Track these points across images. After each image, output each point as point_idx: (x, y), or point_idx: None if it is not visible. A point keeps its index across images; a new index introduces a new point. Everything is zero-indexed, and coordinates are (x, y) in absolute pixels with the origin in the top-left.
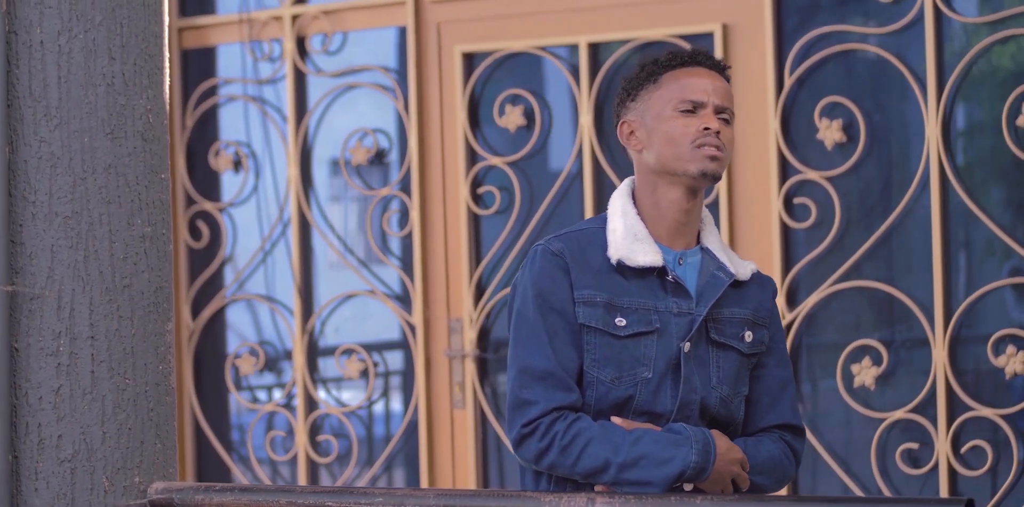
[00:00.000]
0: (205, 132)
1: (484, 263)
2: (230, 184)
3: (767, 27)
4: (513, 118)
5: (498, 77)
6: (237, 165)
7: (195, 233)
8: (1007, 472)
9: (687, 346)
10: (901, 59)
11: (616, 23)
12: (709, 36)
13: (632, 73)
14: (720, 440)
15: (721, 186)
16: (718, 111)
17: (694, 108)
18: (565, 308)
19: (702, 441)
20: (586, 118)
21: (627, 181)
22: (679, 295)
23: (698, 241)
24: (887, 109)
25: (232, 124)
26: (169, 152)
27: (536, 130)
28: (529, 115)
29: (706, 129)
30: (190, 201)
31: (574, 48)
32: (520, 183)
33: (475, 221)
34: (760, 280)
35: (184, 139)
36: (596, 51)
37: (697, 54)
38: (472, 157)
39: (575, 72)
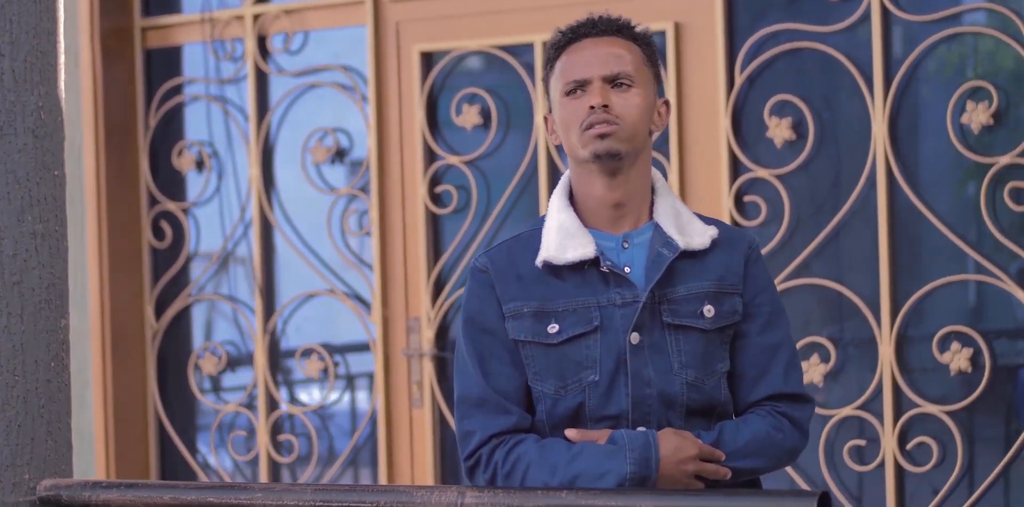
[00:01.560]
0: (169, 132)
1: (442, 262)
2: (193, 184)
3: (718, 25)
4: (470, 117)
5: (456, 76)
6: (200, 165)
7: (158, 233)
8: (952, 468)
9: (635, 337)
10: (849, 57)
11: (570, 22)
12: (661, 35)
13: (543, 63)
14: (666, 441)
15: (672, 184)
16: (610, 80)
17: (579, 87)
18: (495, 326)
19: (639, 448)
20: (541, 117)
21: (564, 175)
22: (621, 284)
23: (651, 216)
24: (836, 107)
25: (195, 124)
26: (131, 151)
27: (492, 129)
28: (486, 114)
29: (591, 108)
30: (153, 201)
31: (529, 47)
32: (477, 182)
33: (433, 220)
34: (729, 242)
35: (148, 139)
36: None
37: (580, 25)
38: (430, 156)
39: (530, 71)
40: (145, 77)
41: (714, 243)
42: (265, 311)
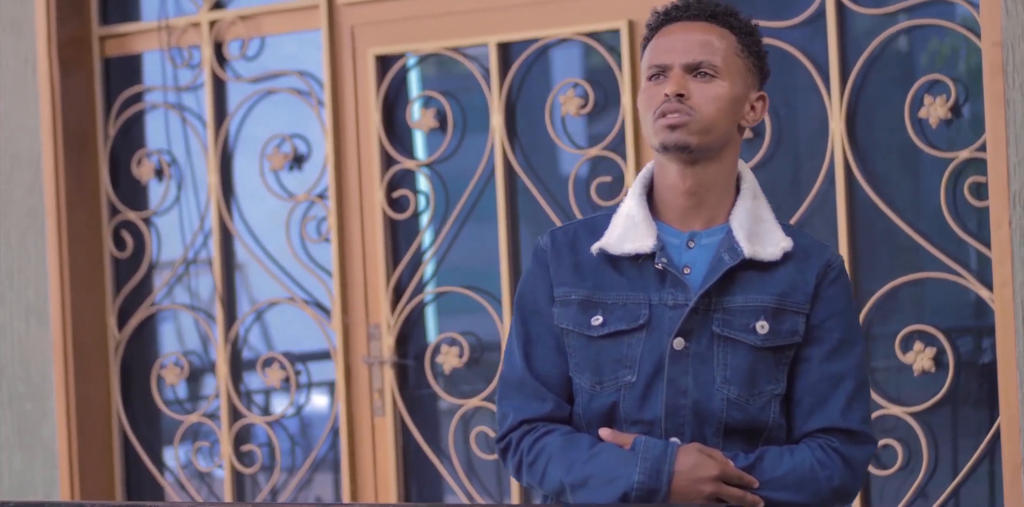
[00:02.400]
0: (129, 141)
1: (400, 268)
2: (154, 193)
3: None
4: (426, 120)
5: (411, 79)
6: (160, 174)
7: (119, 243)
8: (918, 470)
9: (678, 342)
10: (805, 53)
11: (524, 22)
12: (616, 33)
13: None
14: (685, 457)
15: (629, 185)
16: (690, 69)
17: (660, 72)
18: (544, 309)
19: (653, 458)
20: (497, 119)
21: (651, 162)
22: (676, 285)
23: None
24: (794, 103)
25: (155, 132)
26: (91, 161)
27: (448, 132)
28: (442, 117)
29: (665, 95)
30: (114, 210)
31: (483, 48)
32: (435, 186)
33: (392, 225)
34: (805, 257)
35: (107, 148)
36: (506, 51)
37: (674, 7)
38: (387, 161)
39: (485, 73)
40: (104, 86)
41: (787, 256)
42: (226, 320)
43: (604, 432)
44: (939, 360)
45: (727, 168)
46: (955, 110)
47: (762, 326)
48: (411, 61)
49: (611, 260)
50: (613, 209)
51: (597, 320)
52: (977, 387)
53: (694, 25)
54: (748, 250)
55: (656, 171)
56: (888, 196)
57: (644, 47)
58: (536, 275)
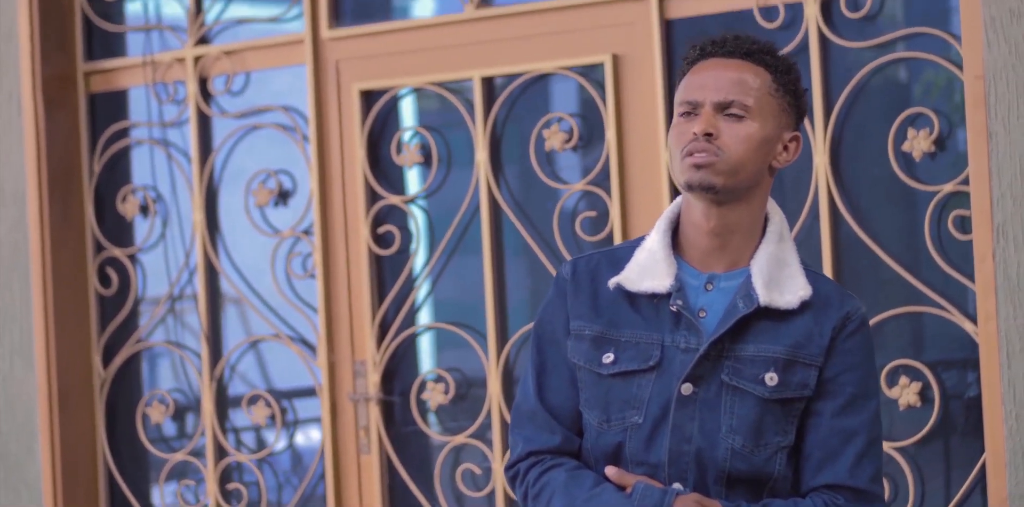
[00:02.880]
0: (114, 177)
1: (386, 304)
2: (139, 229)
3: (656, 56)
4: (411, 155)
5: (396, 114)
6: (145, 210)
7: (104, 280)
8: (904, 506)
9: (686, 388)
10: None
11: (508, 57)
12: (600, 67)
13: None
14: (683, 505)
15: (614, 219)
16: (721, 107)
17: (691, 110)
18: (561, 339)
19: (649, 505)
20: (482, 154)
21: (679, 198)
22: (689, 328)
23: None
24: None
25: (140, 168)
26: (76, 197)
27: (433, 167)
28: (427, 152)
29: (694, 134)
30: (99, 247)
31: (468, 83)
32: (420, 221)
33: (377, 261)
34: (823, 308)
35: (93, 185)
36: (490, 86)
37: (709, 43)
38: (372, 196)
39: (469, 107)
40: (89, 122)
41: (805, 304)
42: (212, 357)
43: (610, 471)
44: (925, 394)
45: (754, 210)
46: (939, 143)
47: (771, 378)
48: (396, 96)
49: (628, 296)
50: (639, 241)
51: (608, 358)
52: (963, 421)
53: (729, 63)
54: (764, 298)
55: (683, 208)
56: (873, 230)
57: (679, 80)
58: (555, 304)
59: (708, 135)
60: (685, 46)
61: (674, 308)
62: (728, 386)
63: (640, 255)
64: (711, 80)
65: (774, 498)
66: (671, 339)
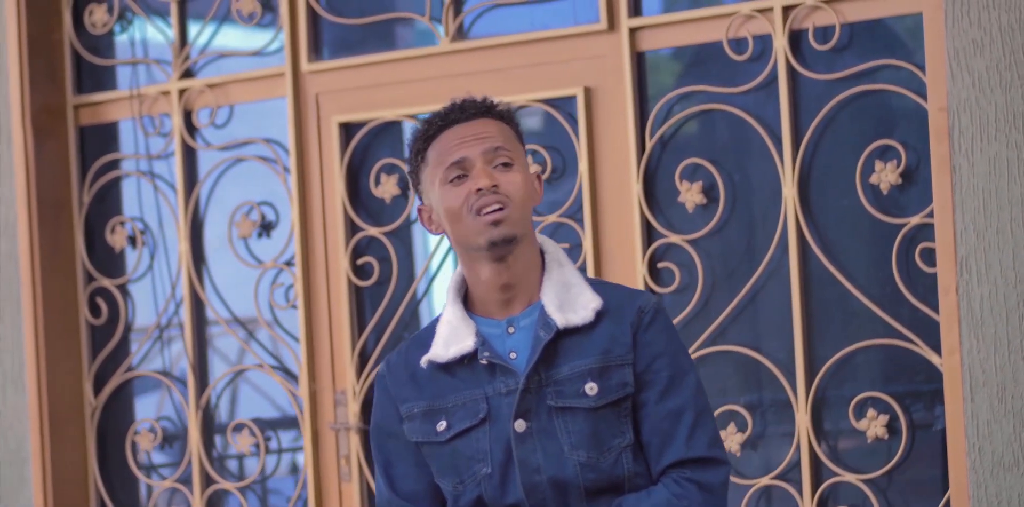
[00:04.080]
0: (103, 208)
1: (365, 335)
2: (128, 260)
3: (627, 88)
4: (388, 187)
5: (374, 147)
6: (133, 241)
7: (95, 310)
8: None
9: (519, 425)
10: (758, 119)
11: (482, 89)
12: (572, 100)
13: (408, 156)
14: None
15: (587, 252)
16: (490, 159)
17: (463, 169)
18: (397, 429)
19: None
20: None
21: (459, 267)
22: (504, 373)
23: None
24: (747, 169)
25: (128, 200)
26: (66, 229)
27: (410, 199)
28: (404, 184)
29: (478, 190)
30: (89, 278)
31: None
32: (397, 253)
33: (357, 292)
34: (617, 311)
35: (82, 216)
36: None
37: (446, 112)
38: (352, 228)
39: None
40: (79, 154)
41: (599, 315)
42: (198, 387)
43: None
44: (892, 427)
45: (532, 250)
46: (906, 175)
47: (591, 387)
48: (372, 129)
49: (443, 367)
50: (434, 321)
51: (441, 425)
52: (930, 453)
53: (471, 124)
54: (561, 320)
55: (467, 274)
56: (841, 262)
57: (419, 157)
58: (381, 400)
59: (495, 186)
60: (654, 79)
61: (484, 360)
62: (556, 409)
63: (441, 329)
64: (470, 138)
65: (622, 497)
66: (492, 389)
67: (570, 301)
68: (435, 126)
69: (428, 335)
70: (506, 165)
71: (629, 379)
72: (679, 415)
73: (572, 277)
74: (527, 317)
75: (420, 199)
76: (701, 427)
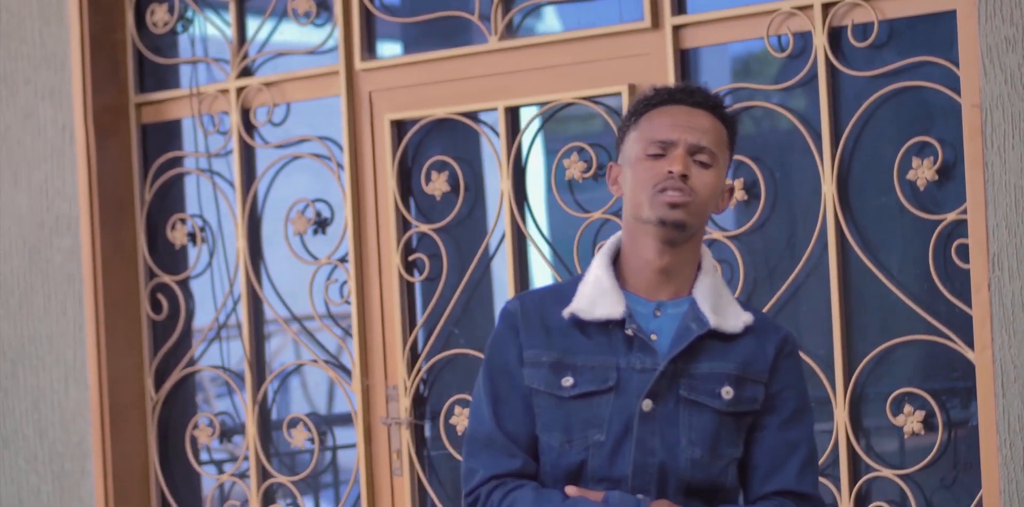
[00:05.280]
0: (164, 206)
1: (416, 331)
2: (188, 257)
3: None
4: (439, 184)
5: (426, 144)
6: (194, 238)
7: (156, 306)
8: None
9: (647, 404)
10: (799, 116)
11: (531, 87)
12: (618, 97)
13: (624, 114)
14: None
15: None
16: (693, 151)
17: (664, 150)
18: (514, 370)
19: None
20: (506, 183)
21: (615, 236)
22: (644, 350)
23: (691, 292)
24: (788, 166)
25: (189, 197)
26: (128, 226)
27: (460, 196)
28: (454, 181)
29: (669, 172)
30: (150, 274)
31: (493, 113)
32: (447, 249)
33: (408, 288)
34: (763, 331)
35: (144, 213)
36: (515, 115)
37: (678, 91)
38: (404, 224)
39: (495, 137)
40: (141, 152)
41: (747, 329)
42: (255, 382)
43: (570, 489)
44: (929, 423)
45: (697, 248)
46: (942, 172)
47: (727, 391)
48: (424, 126)
49: (580, 325)
50: (577, 278)
51: (568, 381)
52: (967, 449)
53: (696, 111)
54: (713, 321)
55: (627, 244)
56: (879, 259)
57: (634, 119)
58: (506, 337)
59: (684, 176)
60: (696, 77)
61: (630, 332)
62: (686, 401)
63: (585, 288)
64: (685, 124)
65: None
66: (626, 362)
67: (721, 307)
68: (661, 96)
69: (568, 290)
70: (704, 165)
71: (760, 397)
72: (795, 447)
73: (723, 288)
74: (676, 307)
75: (616, 156)
76: (811, 466)
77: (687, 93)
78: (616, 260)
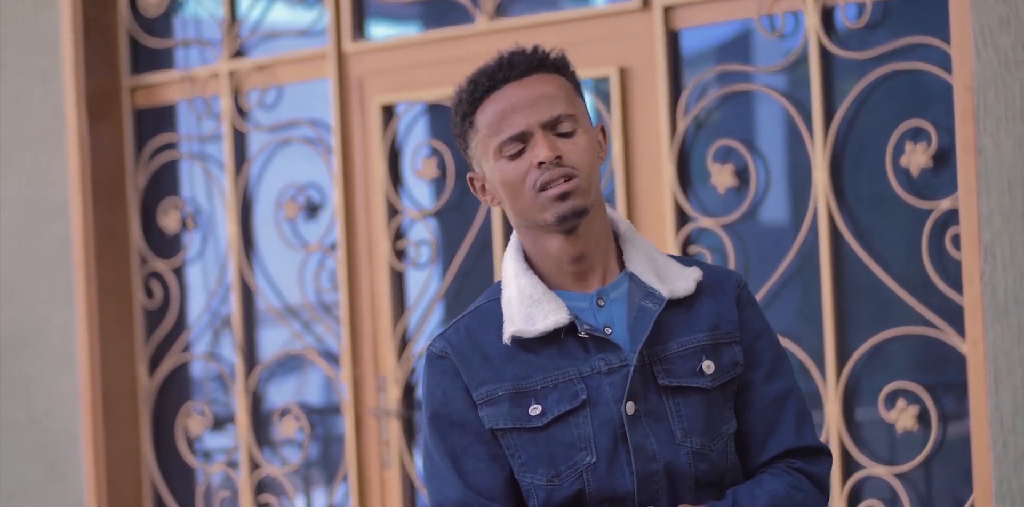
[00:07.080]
0: (157, 191)
1: (405, 319)
2: (181, 243)
3: (660, 67)
4: (429, 170)
5: (416, 129)
6: (186, 223)
7: (149, 292)
8: None
9: (630, 407)
10: (791, 99)
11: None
12: (606, 81)
13: (452, 118)
14: None
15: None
16: (549, 126)
17: (520, 143)
18: (466, 418)
19: None
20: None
21: (513, 236)
22: (604, 348)
23: (623, 266)
24: (780, 152)
25: (182, 182)
26: (120, 211)
27: (449, 182)
28: (444, 166)
29: (540, 164)
30: (143, 260)
31: None
32: (437, 236)
33: (398, 276)
34: (717, 285)
35: (137, 198)
36: None
37: (497, 70)
38: (393, 211)
39: None
40: (135, 136)
41: (700, 288)
42: (246, 371)
43: None
44: (922, 418)
45: (603, 216)
46: (937, 158)
47: (708, 366)
48: (414, 110)
49: (523, 345)
50: (491, 295)
51: (536, 409)
52: (961, 446)
53: (527, 81)
54: (665, 291)
55: (530, 246)
56: (872, 248)
57: (467, 122)
58: (444, 384)
59: (558, 158)
60: (689, 59)
61: (583, 334)
62: (668, 389)
63: (512, 303)
64: (525, 104)
65: (733, 488)
66: (589, 367)
67: (662, 272)
68: (482, 87)
69: (490, 310)
70: (568, 134)
71: (740, 358)
72: (784, 399)
73: (653, 250)
74: (617, 288)
75: (470, 166)
76: (805, 415)
77: (508, 67)
78: (528, 263)
